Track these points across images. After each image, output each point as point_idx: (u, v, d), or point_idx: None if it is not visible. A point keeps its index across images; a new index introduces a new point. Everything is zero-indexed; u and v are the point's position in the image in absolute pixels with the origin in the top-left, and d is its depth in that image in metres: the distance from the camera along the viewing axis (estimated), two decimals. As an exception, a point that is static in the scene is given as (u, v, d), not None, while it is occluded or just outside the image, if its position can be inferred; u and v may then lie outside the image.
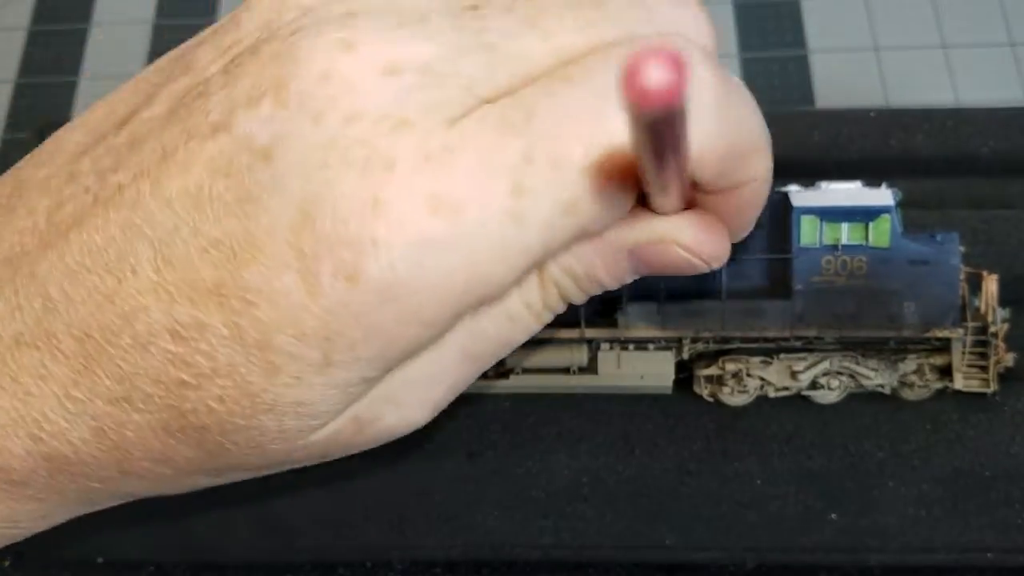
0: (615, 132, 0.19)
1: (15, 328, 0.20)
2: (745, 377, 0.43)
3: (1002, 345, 0.42)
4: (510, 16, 0.20)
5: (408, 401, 0.23)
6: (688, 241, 0.22)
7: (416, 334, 0.20)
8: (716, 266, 0.23)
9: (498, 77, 0.20)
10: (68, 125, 0.23)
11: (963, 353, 0.42)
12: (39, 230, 0.21)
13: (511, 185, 0.19)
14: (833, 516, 0.43)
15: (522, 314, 0.23)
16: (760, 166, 0.22)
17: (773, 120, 0.59)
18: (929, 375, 0.43)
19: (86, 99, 0.55)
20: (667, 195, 0.20)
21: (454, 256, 0.19)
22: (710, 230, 0.22)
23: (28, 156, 0.23)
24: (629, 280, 0.23)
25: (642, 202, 0.22)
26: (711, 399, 0.44)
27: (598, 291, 0.24)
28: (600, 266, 0.22)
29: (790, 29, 0.56)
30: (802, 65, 0.55)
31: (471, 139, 0.19)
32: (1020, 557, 0.43)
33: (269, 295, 0.19)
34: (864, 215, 0.40)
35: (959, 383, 0.42)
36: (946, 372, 0.43)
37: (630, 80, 0.13)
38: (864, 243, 0.41)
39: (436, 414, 0.24)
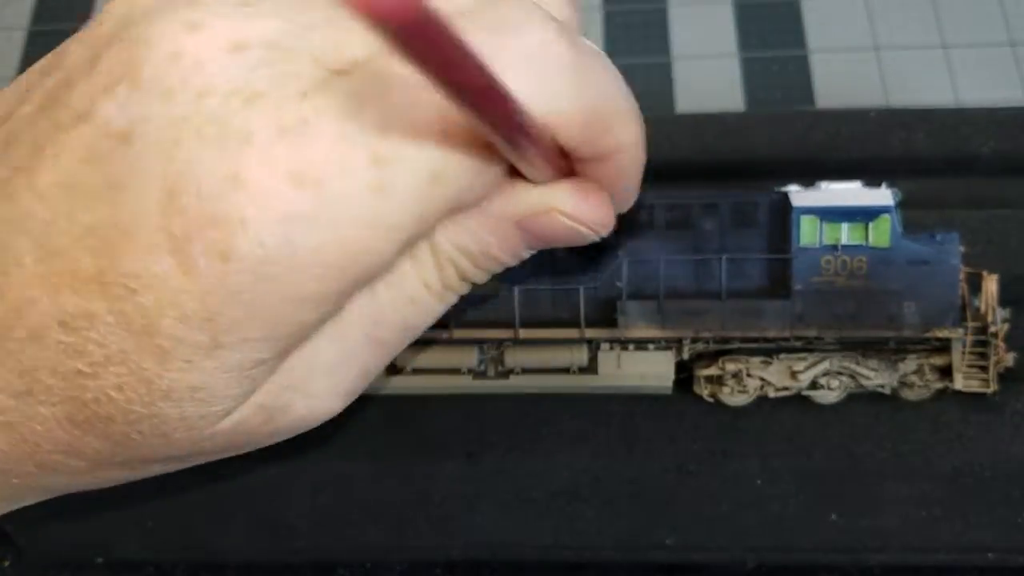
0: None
1: None
2: (745, 377, 0.43)
3: (1002, 345, 0.42)
4: None
5: (317, 389, 0.23)
6: (570, 209, 0.22)
7: (301, 312, 0.20)
8: (604, 233, 0.23)
9: (348, 48, 0.20)
10: None
11: (963, 353, 0.42)
12: None
13: (369, 155, 0.19)
14: (833, 516, 0.43)
15: (422, 295, 0.23)
16: (627, 134, 0.22)
17: (774, 120, 0.59)
18: (929, 375, 0.43)
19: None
20: (522, 158, 0.20)
21: (323, 231, 0.19)
22: (590, 197, 0.22)
23: None
24: (525, 255, 0.23)
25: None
26: (711, 399, 0.44)
27: (497, 268, 0.24)
28: (493, 242, 0.22)
29: (790, 29, 0.56)
30: (802, 65, 0.55)
31: (325, 111, 0.19)
32: (1020, 557, 0.43)
33: (148, 280, 0.19)
34: (864, 215, 0.40)
35: (959, 383, 0.42)
36: (946, 372, 0.43)
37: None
38: (864, 243, 0.41)
39: (349, 402, 0.24)
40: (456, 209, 0.21)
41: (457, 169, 0.19)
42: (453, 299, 0.24)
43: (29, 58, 0.56)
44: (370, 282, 0.21)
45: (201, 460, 0.24)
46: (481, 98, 0.17)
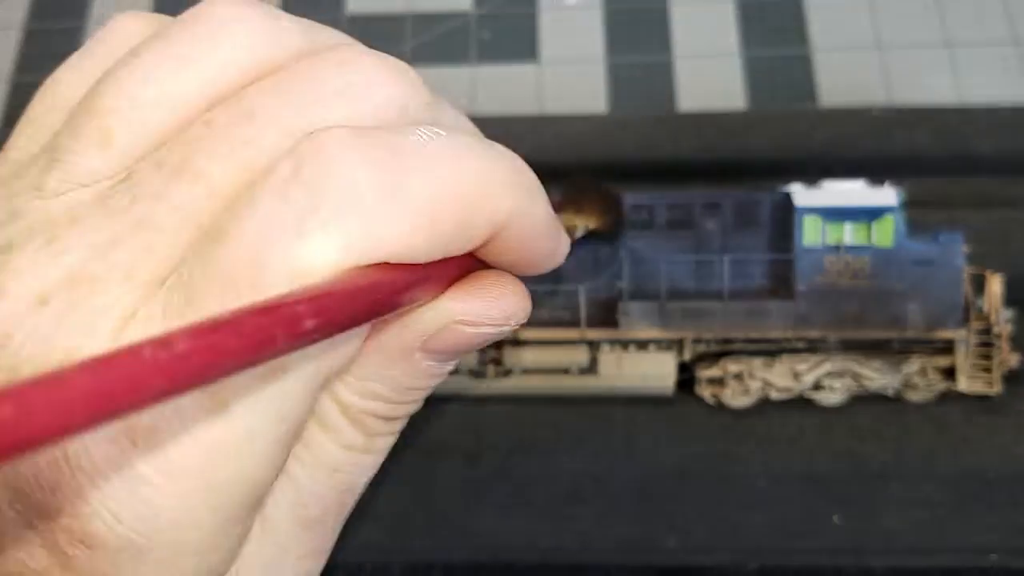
0: (279, 277, 0.16)
1: None
2: (747, 378, 0.42)
3: (1006, 346, 0.42)
4: (160, 172, 0.18)
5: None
6: (471, 315, 0.19)
7: (200, 560, 0.18)
8: (523, 319, 0.20)
9: (159, 252, 0.18)
10: None
11: (967, 354, 0.41)
12: None
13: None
14: (836, 518, 0.42)
15: (346, 458, 0.21)
16: (500, 207, 0.18)
17: (776, 119, 0.59)
18: (933, 376, 0.42)
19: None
20: (387, 312, 0.18)
21: (179, 481, 0.17)
22: (490, 292, 0.20)
23: None
24: (446, 370, 0.21)
25: None
26: (713, 400, 0.44)
27: (420, 396, 0.21)
28: (403, 376, 0.20)
29: (793, 27, 0.56)
30: (805, 63, 0.55)
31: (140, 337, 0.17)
32: (1024, 559, 0.42)
33: None
34: (867, 215, 0.40)
35: (963, 384, 0.42)
36: (950, 373, 0.42)
37: None
38: (867, 243, 0.41)
39: (319, 566, 0.22)
40: (330, 380, 0.19)
41: (306, 360, 0.17)
42: (387, 443, 0.22)
43: (25, 56, 0.56)
44: (265, 492, 0.19)
45: None
46: (285, 341, 0.14)
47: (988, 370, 0.42)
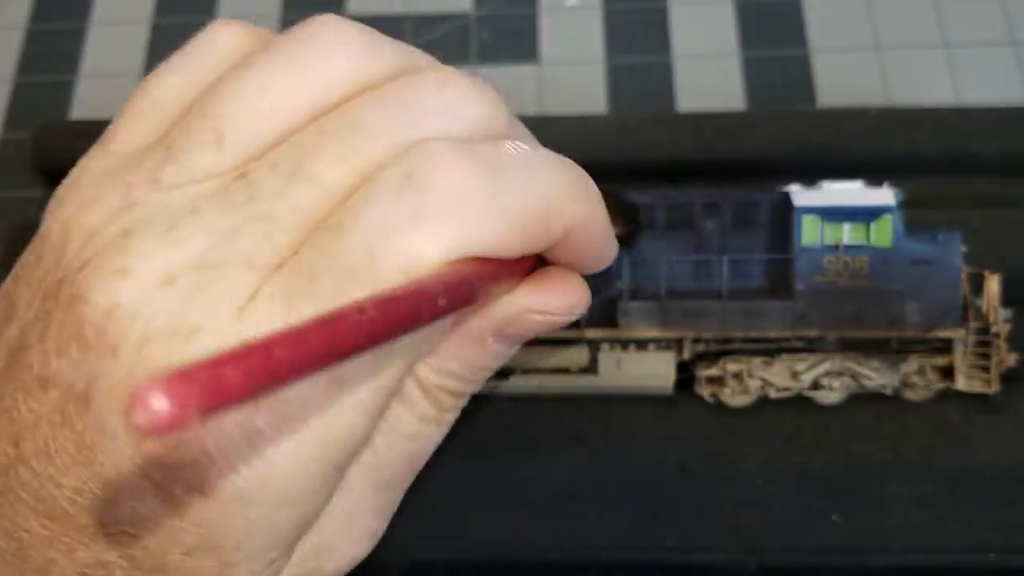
0: (392, 267, 0.19)
1: None
2: (746, 378, 0.43)
3: (1004, 345, 0.42)
4: (276, 173, 0.20)
5: (339, 547, 0.23)
6: (542, 305, 0.23)
7: (297, 512, 0.20)
8: (581, 312, 0.24)
9: (278, 242, 0.20)
10: None
11: (965, 353, 0.42)
12: None
13: None
14: (835, 517, 0.43)
15: (421, 429, 0.24)
16: (570, 216, 0.22)
17: (775, 119, 0.59)
18: (931, 376, 0.42)
19: (84, 99, 0.55)
20: (475, 303, 0.20)
21: (292, 437, 0.19)
22: (557, 286, 0.23)
23: None
24: (512, 353, 0.25)
25: None
26: (712, 400, 0.44)
27: (486, 376, 0.25)
28: (476, 358, 0.23)
29: (791, 28, 0.56)
30: (803, 64, 0.55)
31: (264, 322, 0.19)
32: (1023, 558, 0.43)
33: (143, 524, 0.20)
34: (866, 215, 0.40)
35: (961, 384, 0.42)
36: (948, 373, 0.42)
37: (133, 420, 0.13)
38: (866, 243, 0.41)
39: (376, 540, 0.25)
40: (419, 360, 0.22)
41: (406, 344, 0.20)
42: (452, 417, 0.25)
43: (27, 57, 0.56)
44: (357, 454, 0.22)
45: None
46: (394, 331, 0.17)
47: (986, 369, 0.42)
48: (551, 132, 0.53)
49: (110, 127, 0.24)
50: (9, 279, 0.23)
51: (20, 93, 0.54)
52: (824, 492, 0.42)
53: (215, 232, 0.20)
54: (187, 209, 0.20)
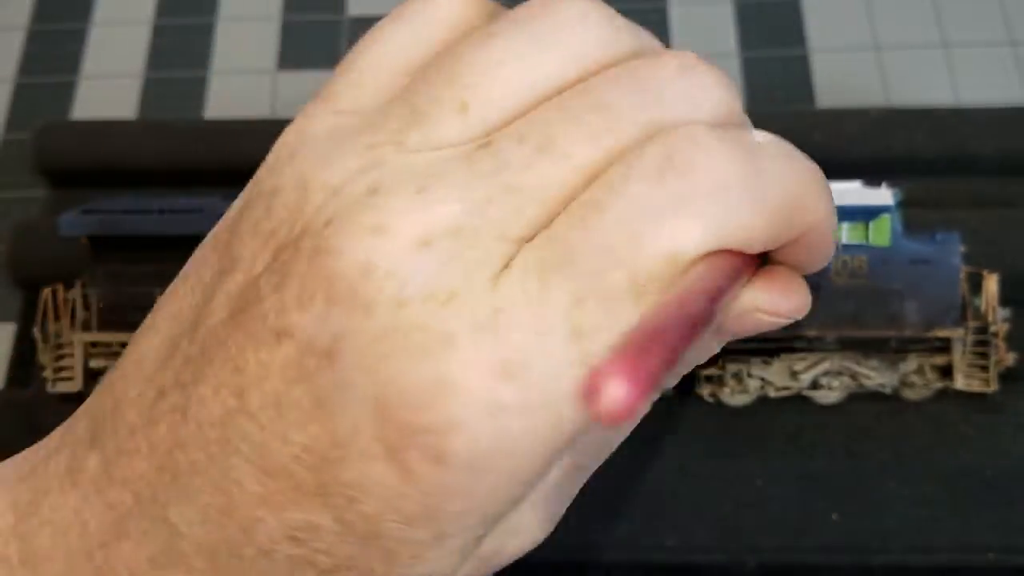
0: (657, 252, 0.19)
1: (148, 552, 0.21)
2: (746, 377, 0.43)
3: (1003, 345, 0.42)
4: (523, 147, 0.20)
5: (526, 527, 0.23)
6: (769, 306, 0.22)
7: (516, 491, 0.20)
8: (805, 313, 0.23)
9: (528, 214, 0.19)
10: (144, 329, 0.23)
11: (964, 353, 0.42)
12: (143, 453, 0.21)
13: (569, 331, 0.18)
14: (834, 516, 0.43)
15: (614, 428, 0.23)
16: (813, 214, 0.21)
17: (774, 119, 0.59)
18: (930, 375, 0.43)
19: (85, 99, 0.55)
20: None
21: (534, 415, 0.19)
22: (786, 287, 0.23)
23: (117, 366, 0.23)
24: (718, 349, 0.25)
25: None
26: (711, 399, 0.44)
27: (686, 372, 0.25)
28: (690, 352, 0.22)
29: (790, 28, 0.56)
30: (802, 64, 0.56)
31: (518, 294, 0.19)
32: (1022, 557, 0.43)
33: (367, 488, 0.19)
34: (864, 215, 0.41)
35: (960, 383, 0.42)
36: (947, 372, 0.43)
37: (589, 402, 0.13)
38: (865, 243, 0.41)
39: (554, 525, 0.24)
40: None
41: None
42: (648, 408, 0.24)
43: (29, 58, 0.56)
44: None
45: None
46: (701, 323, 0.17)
47: (985, 368, 0.42)
48: (551, 132, 0.53)
49: (330, 85, 0.23)
50: (223, 231, 0.22)
51: (21, 94, 0.54)
52: (823, 491, 0.42)
53: (466, 199, 0.19)
54: (435, 174, 0.20)
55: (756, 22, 0.57)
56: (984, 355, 0.42)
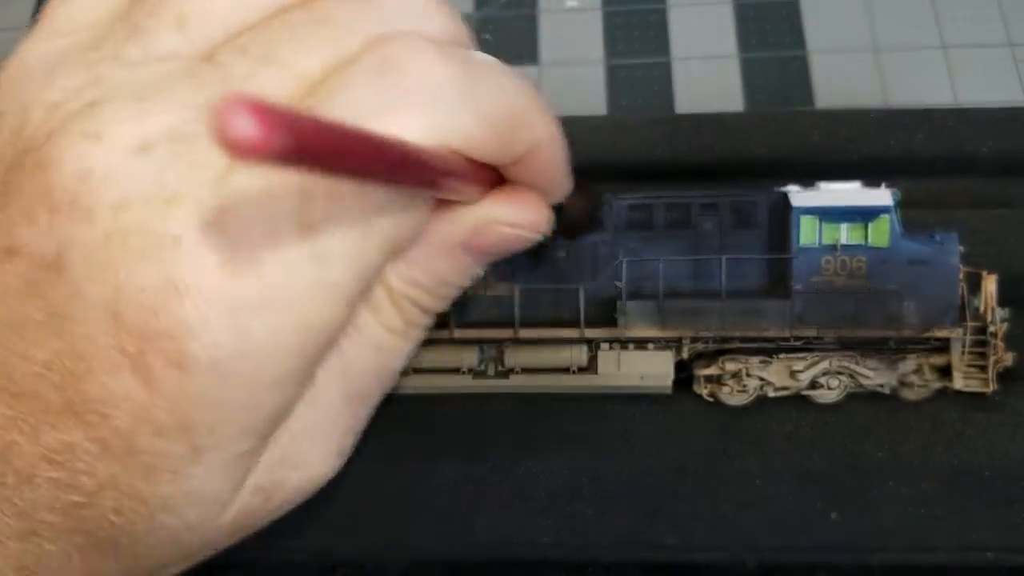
0: None
1: None
2: (745, 377, 0.43)
3: (1001, 345, 0.42)
4: (246, 58, 0.20)
5: (306, 458, 0.23)
6: (508, 218, 0.23)
7: (271, 398, 0.20)
8: (544, 231, 0.24)
9: None
10: None
11: (962, 353, 0.42)
12: None
13: (298, 225, 0.19)
14: (833, 516, 0.43)
15: (388, 340, 0.23)
16: (537, 130, 0.23)
17: (773, 120, 0.59)
18: (928, 375, 0.43)
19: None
20: (448, 190, 0.21)
21: (274, 314, 0.19)
22: (523, 201, 0.24)
23: None
24: (479, 272, 0.24)
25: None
26: (711, 399, 0.44)
27: (454, 293, 0.24)
28: (444, 269, 0.23)
29: (789, 29, 0.57)
30: (801, 65, 0.56)
31: (243, 192, 0.19)
32: (1020, 557, 0.43)
33: (115, 402, 0.19)
34: (863, 215, 0.41)
35: (958, 383, 0.42)
36: (946, 372, 0.43)
37: (220, 136, 0.13)
38: (863, 243, 0.41)
39: (343, 462, 0.24)
40: (396, 252, 0.21)
41: (385, 219, 0.20)
42: (420, 334, 0.24)
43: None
44: (331, 346, 0.22)
45: (219, 549, 0.24)
46: (383, 167, 0.17)
47: (983, 368, 0.42)
48: (551, 133, 0.53)
49: (47, 10, 0.23)
50: None
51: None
52: (822, 490, 0.43)
53: (188, 107, 0.19)
54: (156, 85, 0.20)
55: (755, 23, 0.57)
56: (983, 355, 0.42)
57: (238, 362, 0.19)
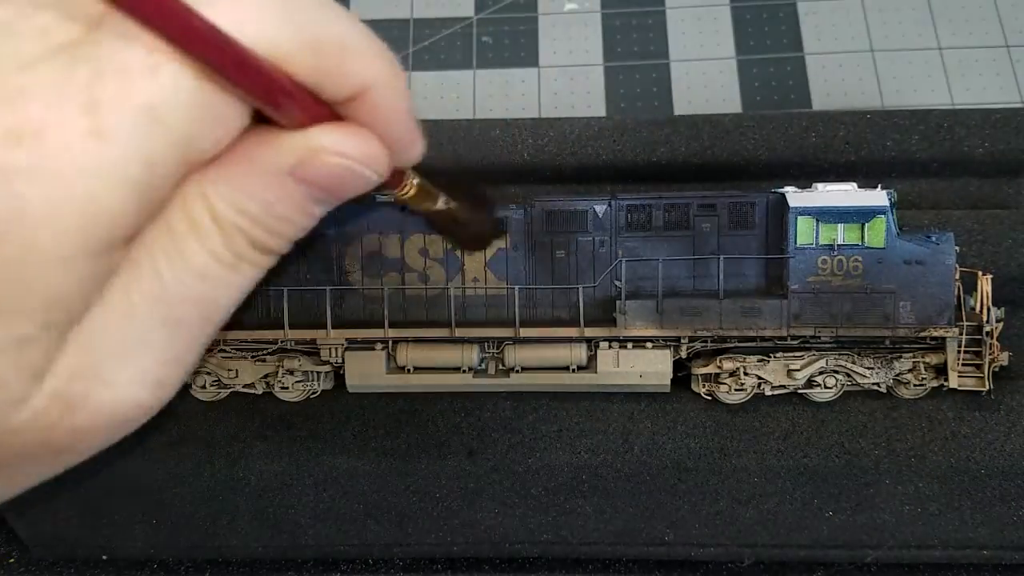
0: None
1: None
2: (742, 375, 0.43)
3: (996, 344, 0.42)
4: None
5: (116, 378, 0.23)
6: (336, 146, 0.22)
7: (51, 275, 0.20)
8: (379, 171, 0.23)
9: (73, 23, 0.20)
10: None
11: (958, 352, 0.42)
12: None
13: (84, 102, 0.19)
14: (829, 513, 0.43)
15: (213, 269, 0.23)
16: (369, 69, 0.22)
17: (770, 121, 0.59)
18: (924, 374, 0.43)
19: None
20: (266, 101, 0.21)
21: (47, 183, 0.19)
22: (353, 133, 0.23)
23: None
24: (317, 212, 0.24)
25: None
26: (708, 397, 0.44)
27: (291, 231, 0.24)
28: (271, 198, 0.22)
29: (787, 32, 0.57)
30: (799, 68, 0.56)
31: (44, 75, 0.19)
32: (1015, 554, 0.43)
33: None
34: (860, 216, 0.41)
35: (954, 382, 0.43)
36: (941, 371, 0.43)
37: None
38: (860, 243, 0.41)
39: (164, 395, 0.23)
40: (194, 153, 0.21)
41: (176, 105, 0.20)
42: (253, 273, 0.24)
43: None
44: (124, 242, 0.21)
45: (28, 466, 0.23)
46: (188, 36, 0.18)
47: (979, 367, 0.42)
48: (550, 134, 0.54)
49: None
50: None
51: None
52: (818, 488, 0.43)
53: (18, 3, 0.20)
54: None
55: (753, 26, 0.57)
56: (978, 354, 0.42)
57: (10, 224, 0.19)
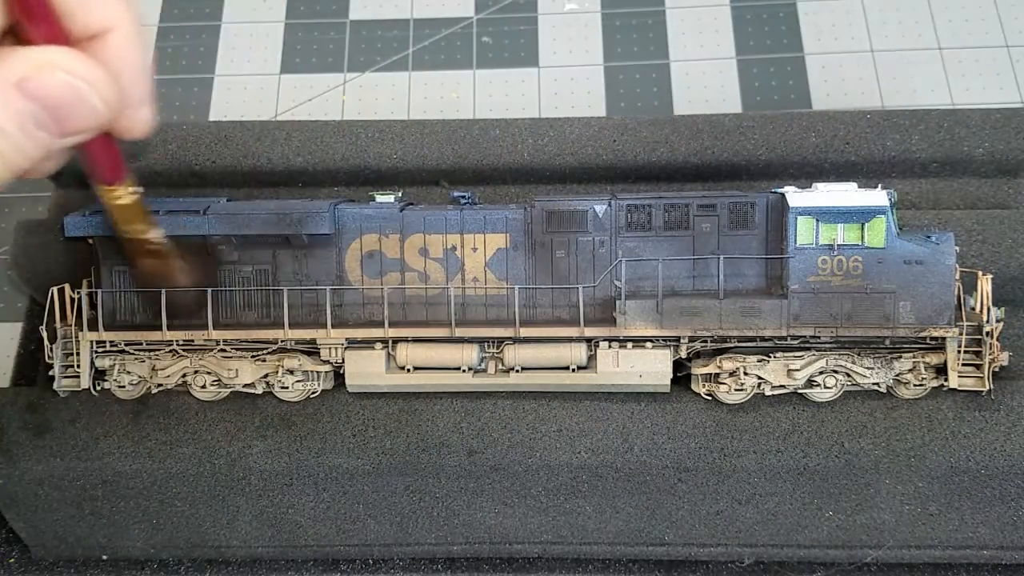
0: None
1: None
2: (742, 375, 0.43)
3: (996, 344, 0.42)
4: None
5: None
6: (66, 63, 0.24)
7: None
8: (104, 93, 0.24)
9: None
10: None
11: (958, 352, 0.42)
12: None
13: None
14: (829, 513, 0.43)
15: None
16: (114, 10, 0.24)
17: (770, 121, 0.60)
18: (924, 374, 0.43)
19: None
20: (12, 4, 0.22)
21: None
22: (87, 59, 0.24)
23: None
24: (34, 130, 0.24)
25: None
26: (708, 397, 0.44)
27: (12, 153, 0.24)
28: (2, 114, 0.23)
29: (787, 32, 0.57)
30: (799, 68, 0.56)
31: None
32: (1015, 554, 0.43)
33: None
34: (860, 215, 0.41)
35: (954, 382, 0.43)
36: (941, 371, 0.43)
37: None
38: (860, 243, 0.41)
39: None
40: None
41: None
42: None
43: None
44: None
45: None
46: None
47: (979, 367, 0.43)
48: (551, 134, 0.54)
49: None
50: None
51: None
52: (818, 488, 0.43)
53: None
54: None
55: (753, 26, 0.57)
56: (978, 354, 0.42)
57: None
